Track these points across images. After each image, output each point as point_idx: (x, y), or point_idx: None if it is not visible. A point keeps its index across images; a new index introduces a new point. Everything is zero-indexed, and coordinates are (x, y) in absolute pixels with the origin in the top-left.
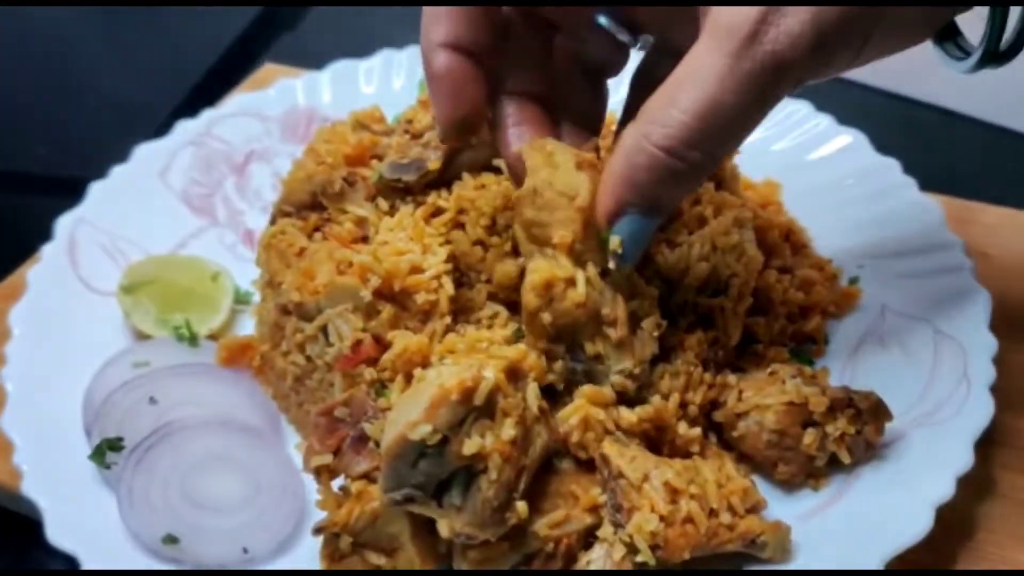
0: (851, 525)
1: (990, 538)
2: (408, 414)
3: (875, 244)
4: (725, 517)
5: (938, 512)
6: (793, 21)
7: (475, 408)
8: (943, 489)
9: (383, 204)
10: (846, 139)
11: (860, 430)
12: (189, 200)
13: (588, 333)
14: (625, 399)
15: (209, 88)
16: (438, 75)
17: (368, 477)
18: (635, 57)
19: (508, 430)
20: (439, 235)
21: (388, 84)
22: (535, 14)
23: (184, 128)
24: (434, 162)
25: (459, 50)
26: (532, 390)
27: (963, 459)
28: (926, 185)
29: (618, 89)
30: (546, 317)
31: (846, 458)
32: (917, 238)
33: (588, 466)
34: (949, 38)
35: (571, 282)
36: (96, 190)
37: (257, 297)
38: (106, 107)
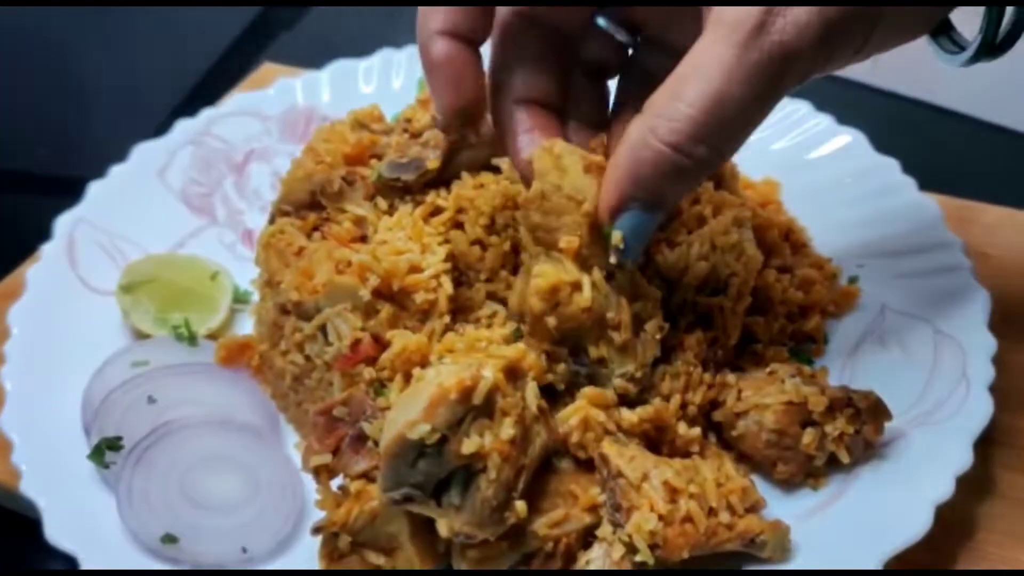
0: (850, 524)
1: (990, 538)
2: (407, 413)
3: (875, 243)
4: (724, 516)
5: (938, 511)
6: (800, 11)
7: (474, 407)
8: (943, 489)
9: (382, 203)
10: (845, 138)
11: (859, 429)
12: (188, 199)
13: (592, 337)
14: (626, 400)
15: (209, 88)
16: (437, 63)
17: (367, 476)
18: None
19: (507, 429)
20: (438, 234)
21: (387, 83)
22: (538, 18)
23: (183, 127)
24: (433, 161)
25: (457, 37)
26: (531, 389)
27: (963, 459)
28: (925, 185)
29: None
30: (551, 321)
31: (845, 457)
32: (916, 237)
33: (587, 466)
34: (943, 32)
35: (577, 287)
36: (95, 189)
37: (256, 296)
38: (106, 107)
